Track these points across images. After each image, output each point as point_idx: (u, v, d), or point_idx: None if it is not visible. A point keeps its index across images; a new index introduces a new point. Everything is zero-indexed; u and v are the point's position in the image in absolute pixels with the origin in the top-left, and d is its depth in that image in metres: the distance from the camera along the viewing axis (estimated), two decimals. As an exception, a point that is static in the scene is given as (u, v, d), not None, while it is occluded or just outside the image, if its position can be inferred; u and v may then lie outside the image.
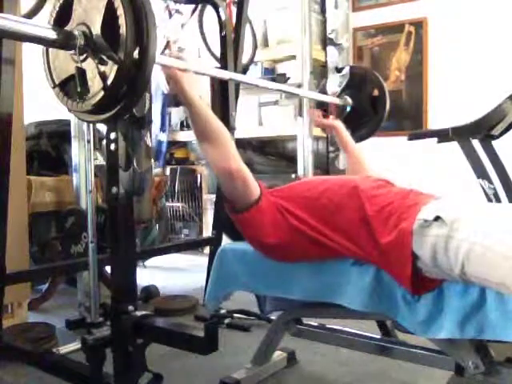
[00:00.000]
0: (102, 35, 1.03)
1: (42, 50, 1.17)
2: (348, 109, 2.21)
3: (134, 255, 1.36)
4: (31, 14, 1.81)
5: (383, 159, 3.69)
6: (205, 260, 2.65)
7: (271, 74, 3.90)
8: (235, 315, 2.33)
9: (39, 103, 2.81)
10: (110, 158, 1.26)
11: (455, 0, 3.62)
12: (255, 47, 3.11)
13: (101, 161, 2.49)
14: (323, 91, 2.37)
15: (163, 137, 4.20)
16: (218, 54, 2.48)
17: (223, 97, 2.33)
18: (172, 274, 3.48)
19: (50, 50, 1.16)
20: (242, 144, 4.07)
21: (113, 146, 1.23)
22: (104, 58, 1.03)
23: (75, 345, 1.93)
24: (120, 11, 1.00)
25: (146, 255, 2.99)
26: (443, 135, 2.13)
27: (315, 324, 1.74)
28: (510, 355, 1.33)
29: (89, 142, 2.04)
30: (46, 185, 2.43)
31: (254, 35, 3.12)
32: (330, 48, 3.92)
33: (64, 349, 1.93)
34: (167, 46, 3.52)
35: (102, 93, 1.04)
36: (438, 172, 3.40)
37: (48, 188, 2.44)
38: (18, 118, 1.98)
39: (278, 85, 2.18)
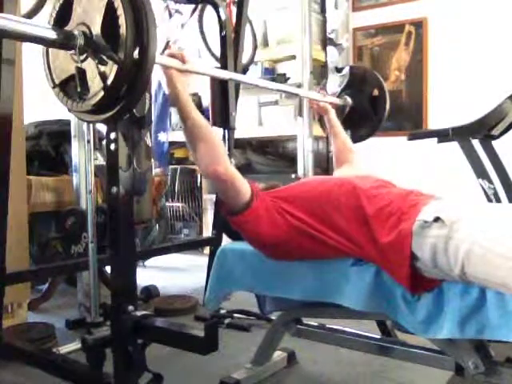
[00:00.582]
0: (102, 35, 1.03)
1: (42, 50, 1.17)
2: (348, 109, 2.21)
3: (134, 255, 1.36)
4: (31, 14, 1.81)
5: (383, 159, 3.70)
6: (205, 260, 2.65)
7: (271, 74, 3.90)
8: (235, 315, 2.33)
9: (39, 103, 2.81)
10: (109, 158, 1.26)
11: (455, 0, 3.62)
12: (255, 47, 3.11)
13: (101, 161, 2.49)
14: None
15: (164, 137, 4.19)
16: (218, 54, 2.48)
17: (223, 97, 2.33)
18: (172, 273, 3.48)
19: (50, 50, 1.16)
20: (242, 144, 4.07)
21: (113, 146, 1.23)
22: (104, 58, 1.03)
23: (75, 345, 1.93)
24: (120, 11, 1.00)
25: (146, 255, 2.99)
26: (443, 135, 2.12)
27: (315, 324, 1.73)
28: (510, 355, 1.33)
29: (89, 142, 2.05)
30: (45, 185, 2.43)
31: (254, 35, 3.12)
32: (330, 48, 3.91)
33: (64, 349, 1.93)
34: (167, 46, 3.52)
35: (101, 93, 1.04)
36: (438, 172, 3.40)
37: (48, 188, 2.44)
38: (18, 118, 1.97)
39: (278, 85, 2.18)
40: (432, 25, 3.73)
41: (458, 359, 1.32)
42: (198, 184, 4.25)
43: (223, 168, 1.33)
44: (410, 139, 2.30)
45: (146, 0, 1.02)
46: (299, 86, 3.24)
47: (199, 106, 4.27)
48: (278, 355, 1.82)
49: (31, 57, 1.87)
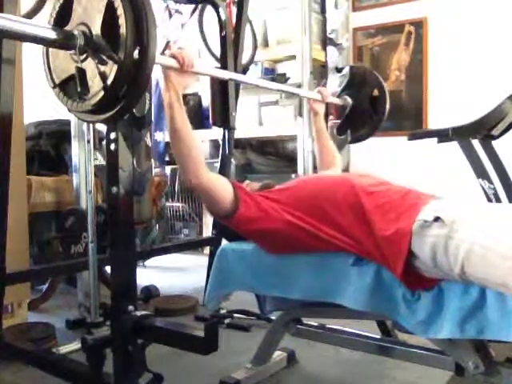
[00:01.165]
0: (102, 35, 1.03)
1: (42, 50, 1.17)
2: (348, 109, 2.21)
3: (134, 255, 1.36)
4: (31, 14, 1.81)
5: (383, 159, 3.71)
6: (205, 260, 2.65)
7: (271, 74, 3.90)
8: (235, 315, 2.33)
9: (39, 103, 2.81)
10: (109, 158, 1.26)
11: (455, 0, 3.62)
12: (255, 47, 3.11)
13: (101, 161, 2.49)
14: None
15: (160, 136, 4.19)
16: (218, 54, 2.48)
17: (223, 97, 2.33)
18: (172, 273, 3.48)
19: (50, 49, 1.16)
20: (242, 144, 4.08)
21: (113, 146, 1.23)
22: (104, 57, 1.03)
23: (75, 345, 1.93)
24: (120, 11, 1.00)
25: (146, 255, 2.99)
26: (443, 135, 2.12)
27: (315, 324, 1.73)
28: (509, 355, 1.33)
29: (89, 142, 2.04)
30: (46, 185, 2.43)
31: (254, 35, 3.12)
32: (330, 48, 3.91)
33: (64, 349, 1.93)
34: (167, 46, 3.52)
35: (102, 93, 1.04)
36: (438, 172, 3.40)
37: (48, 188, 2.44)
38: (18, 117, 1.97)
39: (278, 85, 2.18)
40: (432, 25, 3.73)
41: (457, 359, 1.32)
42: (198, 184, 4.24)
43: (198, 180, 1.34)
44: (409, 139, 2.29)
45: (145, 0, 1.02)
46: (299, 86, 3.24)
47: (199, 106, 4.27)
48: (278, 355, 1.82)
49: (31, 57, 1.87)
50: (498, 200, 2.00)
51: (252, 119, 3.92)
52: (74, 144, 2.22)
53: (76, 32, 1.05)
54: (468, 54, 3.54)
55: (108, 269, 2.27)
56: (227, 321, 2.28)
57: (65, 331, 2.01)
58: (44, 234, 2.48)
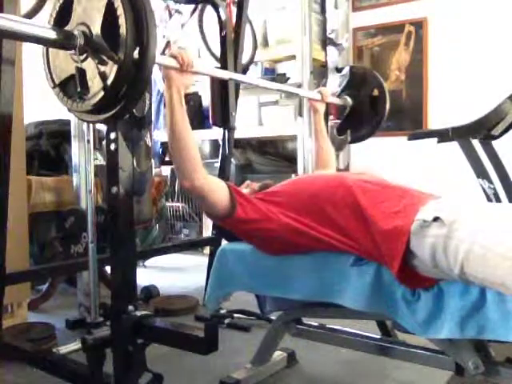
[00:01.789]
0: (102, 35, 1.03)
1: (42, 50, 1.17)
2: (348, 109, 2.21)
3: (134, 255, 1.36)
4: (31, 14, 1.81)
5: (383, 159, 3.71)
6: (205, 260, 2.65)
7: (271, 74, 3.90)
8: (235, 315, 2.33)
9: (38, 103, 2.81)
10: (109, 158, 1.26)
11: (455, 0, 3.62)
12: (255, 47, 3.11)
13: (101, 161, 2.49)
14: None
15: (157, 135, 4.19)
16: (218, 54, 2.48)
17: (223, 97, 2.34)
18: (172, 274, 3.48)
19: (50, 49, 1.16)
20: (242, 144, 4.07)
21: (113, 146, 1.23)
22: (104, 58, 1.03)
23: (75, 345, 1.93)
24: (120, 11, 1.00)
25: (146, 255, 2.99)
26: (443, 135, 2.12)
27: (315, 324, 1.73)
28: (509, 355, 1.33)
29: (89, 142, 2.04)
30: (46, 185, 2.43)
31: (254, 35, 3.12)
32: (330, 48, 3.91)
33: (64, 349, 1.93)
34: (167, 46, 3.52)
35: (102, 93, 1.04)
36: (438, 172, 3.40)
37: (48, 188, 2.44)
38: (18, 117, 1.97)
39: (278, 85, 2.18)
40: (432, 25, 3.73)
41: (457, 359, 1.32)
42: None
43: (194, 182, 1.34)
44: (410, 139, 2.29)
45: (145, 0, 1.02)
46: (299, 86, 3.24)
47: (199, 106, 4.27)
48: (278, 355, 1.82)
49: (31, 57, 1.87)
50: (498, 200, 2.00)
51: (252, 119, 3.92)
52: (74, 144, 2.22)
53: (76, 32, 1.05)
54: (468, 54, 3.55)
55: (108, 269, 2.27)
56: (227, 321, 2.28)
57: (65, 331, 2.01)
58: (44, 234, 2.48)
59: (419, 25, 3.77)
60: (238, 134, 2.63)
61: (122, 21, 1.00)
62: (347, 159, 4.00)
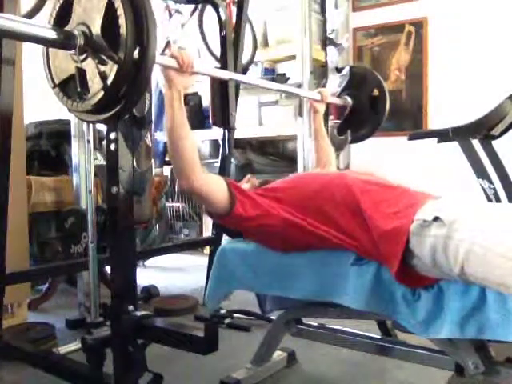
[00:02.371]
0: (102, 35, 1.03)
1: (42, 50, 1.17)
2: (348, 109, 2.21)
3: (134, 255, 1.36)
4: (31, 14, 1.81)
5: (383, 159, 3.71)
6: (205, 260, 2.65)
7: (271, 74, 3.89)
8: (235, 315, 2.33)
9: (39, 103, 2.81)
10: (109, 158, 1.26)
11: (455, 0, 3.62)
12: (255, 47, 3.11)
13: (101, 161, 2.49)
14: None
15: (160, 136, 4.19)
16: (218, 54, 2.48)
17: (223, 97, 2.33)
18: (172, 274, 3.48)
19: (50, 49, 1.16)
20: (242, 144, 4.07)
21: (113, 146, 1.23)
22: (104, 57, 1.03)
23: (75, 345, 1.93)
24: (120, 11, 1.00)
25: (146, 255, 3.00)
26: (443, 135, 2.12)
27: (315, 324, 1.73)
28: (510, 355, 1.33)
29: (89, 142, 2.04)
30: (46, 185, 2.43)
31: (254, 35, 3.12)
32: (330, 48, 3.91)
33: (64, 349, 1.93)
34: (167, 46, 3.52)
35: (101, 93, 1.04)
36: (438, 172, 3.40)
37: (48, 188, 2.44)
38: (18, 117, 1.97)
39: (278, 85, 2.18)
40: (432, 25, 3.73)
41: (458, 359, 1.32)
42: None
43: (192, 182, 1.34)
44: (410, 139, 2.29)
45: (145, 0, 1.02)
46: (299, 86, 3.24)
47: (199, 106, 4.27)
48: (278, 355, 1.82)
49: (31, 57, 1.86)
50: (498, 200, 2.00)
51: (252, 119, 3.92)
52: (74, 144, 2.22)
53: (76, 32, 1.05)
54: (468, 53, 3.54)
55: (108, 269, 2.27)
56: (227, 321, 2.28)
57: (65, 331, 2.01)
58: (44, 234, 2.48)
59: (419, 25, 3.77)
60: (238, 134, 2.62)
61: (122, 21, 1.00)
62: (347, 159, 4.00)
